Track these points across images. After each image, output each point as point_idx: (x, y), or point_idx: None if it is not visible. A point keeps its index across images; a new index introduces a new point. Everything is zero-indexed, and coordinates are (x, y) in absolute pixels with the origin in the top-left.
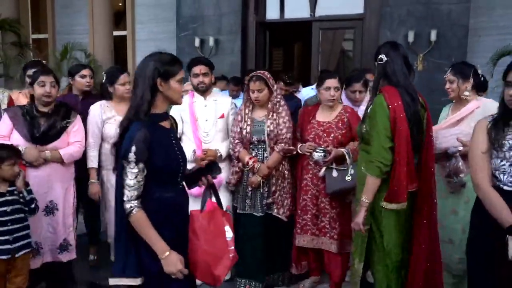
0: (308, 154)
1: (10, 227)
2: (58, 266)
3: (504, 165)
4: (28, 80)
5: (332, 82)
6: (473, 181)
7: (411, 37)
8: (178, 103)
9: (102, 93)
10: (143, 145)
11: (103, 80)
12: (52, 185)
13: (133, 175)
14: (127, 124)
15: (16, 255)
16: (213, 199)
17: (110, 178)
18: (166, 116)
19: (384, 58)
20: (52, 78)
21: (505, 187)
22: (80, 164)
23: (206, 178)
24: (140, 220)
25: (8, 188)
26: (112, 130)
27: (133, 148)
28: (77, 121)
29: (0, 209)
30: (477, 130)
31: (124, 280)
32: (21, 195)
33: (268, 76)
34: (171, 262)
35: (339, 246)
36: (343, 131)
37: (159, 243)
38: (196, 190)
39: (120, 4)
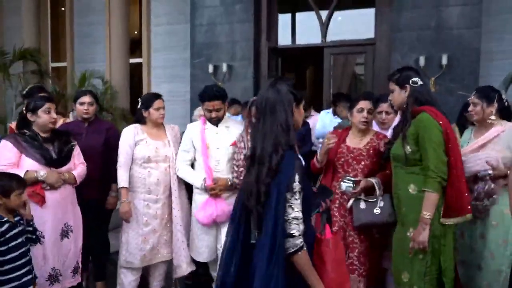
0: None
1: (28, 257)
2: None
3: None
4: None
5: (365, 104)
6: None
7: (422, 61)
8: (298, 128)
9: (136, 117)
10: (303, 174)
11: (138, 106)
12: (67, 207)
13: (299, 207)
14: (283, 152)
15: (35, 283)
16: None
17: (134, 201)
18: None
19: (419, 82)
20: (54, 105)
21: None
22: (84, 186)
23: (325, 202)
24: (306, 258)
25: (15, 219)
26: (142, 152)
27: (297, 177)
28: (76, 144)
29: (18, 240)
30: None
31: None
32: (31, 223)
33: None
34: None
35: (366, 283)
36: (374, 159)
37: (321, 285)
38: (205, 219)
39: (136, 32)
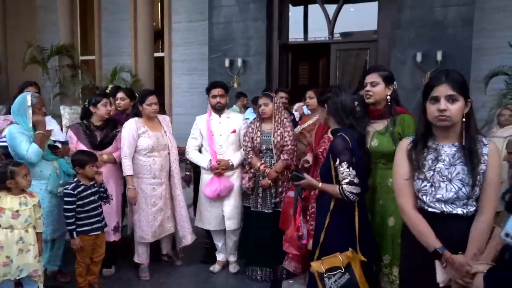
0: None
1: (100, 210)
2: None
3: (425, 186)
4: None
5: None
6: (398, 206)
7: (419, 57)
8: None
9: (135, 111)
10: None
11: (136, 100)
12: (108, 180)
13: None
14: None
15: (104, 231)
16: None
17: (141, 186)
18: None
19: (395, 86)
20: (109, 100)
21: (429, 209)
22: None
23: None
24: None
25: (90, 183)
26: (146, 142)
27: None
28: (121, 131)
29: (92, 197)
30: (399, 153)
31: None
32: (102, 185)
33: (273, 95)
34: None
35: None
36: None
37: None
38: (211, 194)
39: (158, 28)
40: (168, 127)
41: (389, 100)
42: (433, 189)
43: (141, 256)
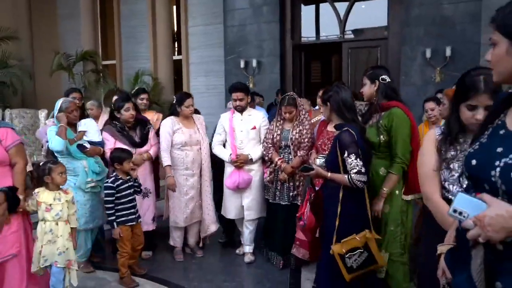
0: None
1: (134, 203)
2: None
3: (453, 176)
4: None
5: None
6: (423, 194)
7: (428, 54)
8: None
9: (172, 111)
10: None
11: (173, 102)
12: (146, 177)
13: None
14: None
15: (139, 221)
16: None
17: (176, 176)
18: None
19: (387, 79)
20: (132, 103)
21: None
22: None
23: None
24: None
25: (127, 177)
26: (180, 138)
27: None
28: (152, 127)
29: (128, 191)
30: (426, 143)
31: None
32: (136, 180)
33: (297, 99)
34: None
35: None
36: None
37: None
38: (231, 185)
39: (173, 29)
40: (201, 126)
41: (374, 96)
42: (460, 179)
43: (176, 239)
